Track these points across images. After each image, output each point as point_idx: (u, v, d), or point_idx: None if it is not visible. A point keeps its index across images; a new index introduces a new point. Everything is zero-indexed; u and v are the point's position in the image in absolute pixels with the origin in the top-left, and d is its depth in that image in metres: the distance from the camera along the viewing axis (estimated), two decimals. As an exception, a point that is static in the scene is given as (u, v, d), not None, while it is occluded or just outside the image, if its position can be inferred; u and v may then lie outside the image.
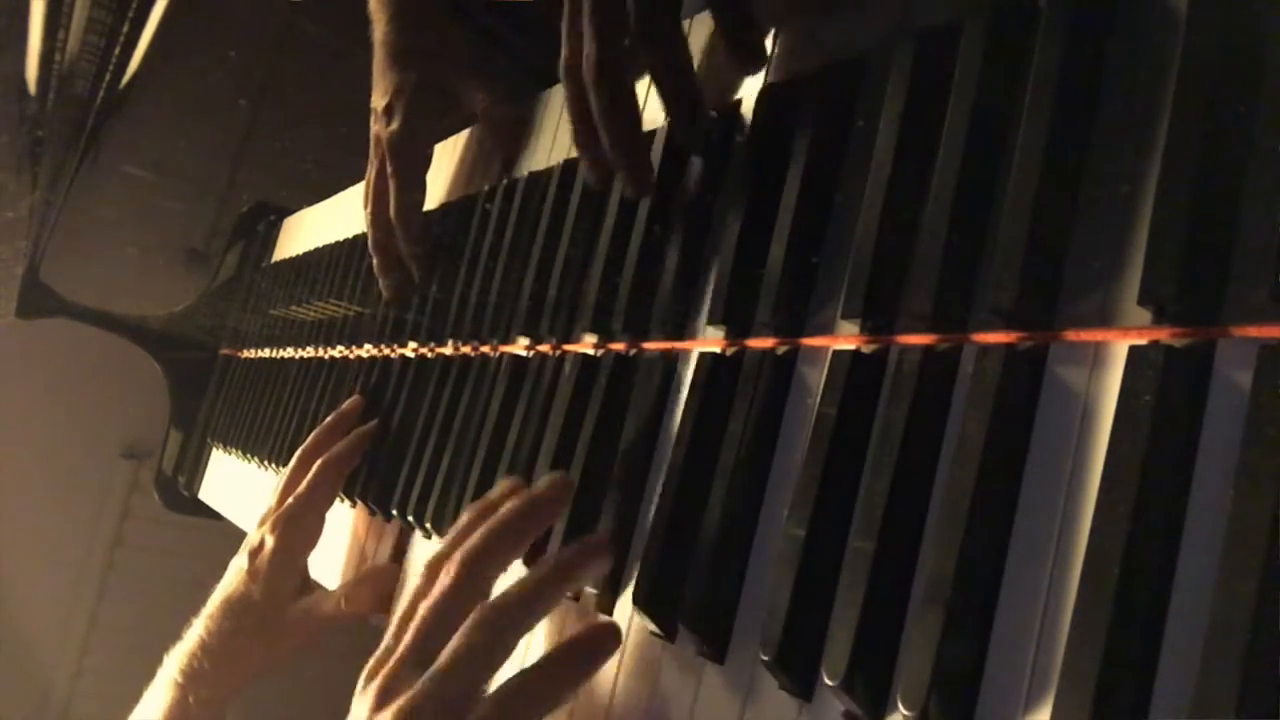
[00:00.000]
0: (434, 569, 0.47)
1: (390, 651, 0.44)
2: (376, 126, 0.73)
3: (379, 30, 0.73)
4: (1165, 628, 0.27)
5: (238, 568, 0.69)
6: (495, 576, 0.47)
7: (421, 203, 0.72)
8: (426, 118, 0.71)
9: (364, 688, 0.44)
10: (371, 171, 0.75)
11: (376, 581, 0.67)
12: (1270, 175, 0.28)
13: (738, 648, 0.40)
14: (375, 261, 0.76)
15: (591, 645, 0.44)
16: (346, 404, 0.78)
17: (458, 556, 0.46)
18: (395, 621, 0.46)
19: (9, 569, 1.94)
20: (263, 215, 1.41)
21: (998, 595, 0.31)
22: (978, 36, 0.37)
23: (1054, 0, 0.35)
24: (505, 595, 0.44)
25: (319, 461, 0.72)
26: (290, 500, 0.70)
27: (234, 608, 0.67)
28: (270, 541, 0.68)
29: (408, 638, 0.44)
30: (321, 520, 0.71)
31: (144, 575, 2.08)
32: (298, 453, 0.75)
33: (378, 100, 0.72)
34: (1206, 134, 0.29)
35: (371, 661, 0.45)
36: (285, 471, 0.74)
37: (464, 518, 0.50)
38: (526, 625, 0.44)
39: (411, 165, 0.71)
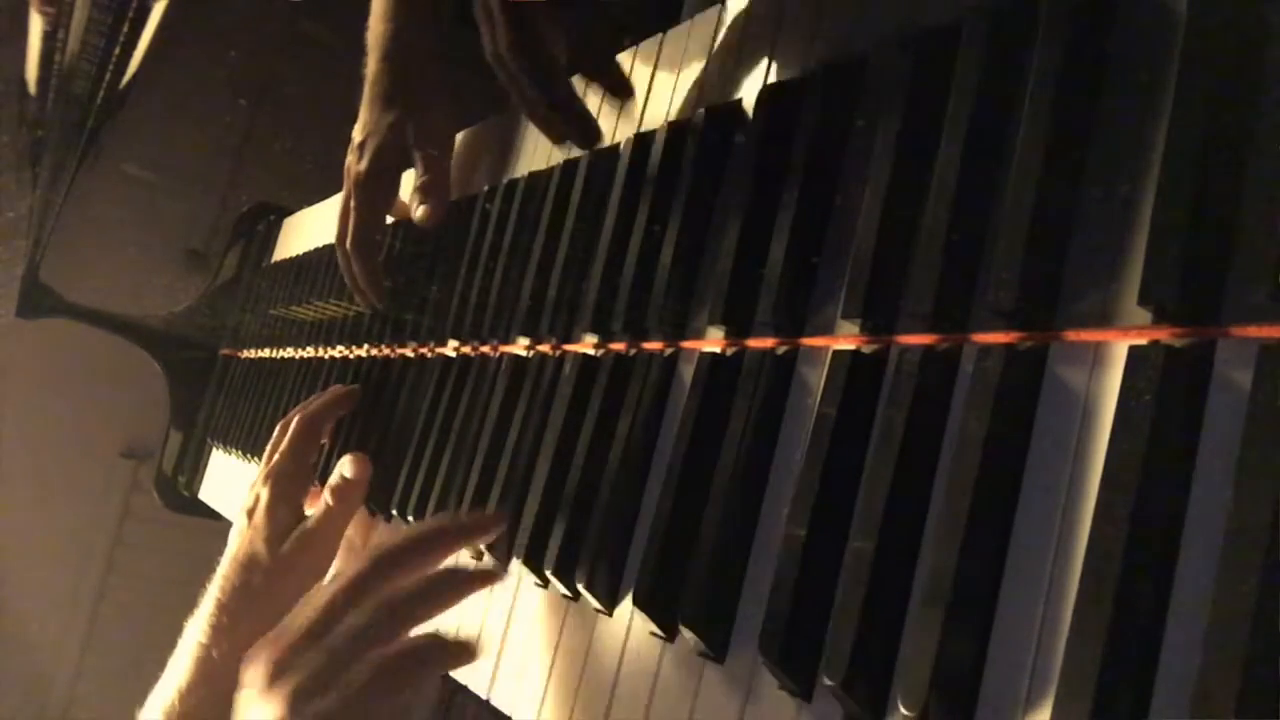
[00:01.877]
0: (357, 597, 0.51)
1: (285, 629, 0.49)
2: (349, 159, 0.78)
3: (370, 65, 0.79)
4: (1165, 628, 0.27)
5: (239, 529, 0.72)
6: (400, 578, 0.51)
7: (376, 237, 0.78)
8: (392, 164, 0.76)
9: (261, 651, 0.48)
10: (341, 199, 0.80)
11: (351, 483, 0.71)
12: (1270, 175, 0.28)
13: (738, 648, 0.40)
14: (345, 277, 0.83)
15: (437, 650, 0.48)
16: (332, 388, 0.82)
17: (368, 554, 0.51)
18: (302, 602, 0.51)
19: (9, 569, 1.94)
20: (263, 215, 1.41)
21: (998, 595, 0.31)
22: (978, 36, 0.37)
23: (1054, 0, 0.35)
24: (400, 585, 0.49)
25: (297, 418, 0.76)
26: (275, 456, 0.74)
27: (243, 564, 0.70)
28: (263, 495, 0.71)
29: (307, 615, 0.48)
30: (308, 470, 0.75)
31: (144, 575, 2.08)
32: (281, 424, 0.78)
33: (356, 133, 0.78)
34: (1206, 134, 0.29)
35: (273, 631, 0.49)
36: (273, 439, 0.78)
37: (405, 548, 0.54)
38: (416, 609, 0.49)
39: (370, 204, 0.77)
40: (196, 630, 0.69)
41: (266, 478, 0.72)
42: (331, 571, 0.73)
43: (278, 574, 0.69)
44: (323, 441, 0.80)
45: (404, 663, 0.46)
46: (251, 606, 0.69)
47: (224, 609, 0.68)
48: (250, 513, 0.72)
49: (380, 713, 0.45)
